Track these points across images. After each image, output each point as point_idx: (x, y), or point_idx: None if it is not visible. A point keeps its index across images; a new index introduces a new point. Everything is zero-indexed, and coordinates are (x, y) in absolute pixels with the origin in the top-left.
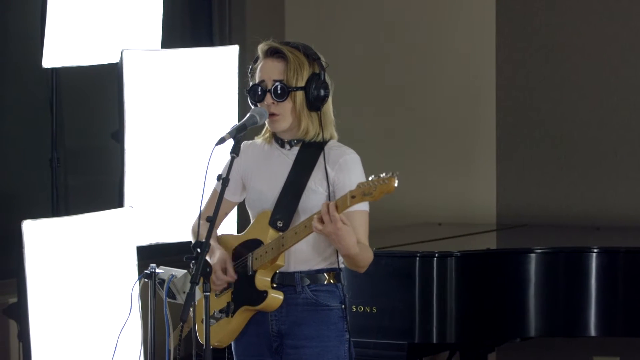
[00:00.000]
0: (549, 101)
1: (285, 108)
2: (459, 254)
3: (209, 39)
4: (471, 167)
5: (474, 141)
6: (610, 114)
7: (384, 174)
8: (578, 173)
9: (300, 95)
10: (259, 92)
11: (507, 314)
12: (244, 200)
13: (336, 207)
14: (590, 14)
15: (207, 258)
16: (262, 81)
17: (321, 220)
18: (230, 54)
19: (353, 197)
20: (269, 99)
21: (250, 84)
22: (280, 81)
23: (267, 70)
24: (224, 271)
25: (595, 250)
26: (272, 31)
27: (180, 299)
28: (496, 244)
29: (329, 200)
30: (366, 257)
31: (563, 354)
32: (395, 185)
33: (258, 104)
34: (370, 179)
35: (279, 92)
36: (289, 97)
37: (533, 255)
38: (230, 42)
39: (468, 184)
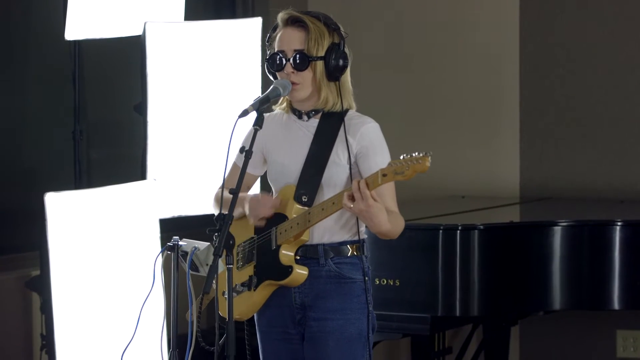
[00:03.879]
0: (573, 74)
1: (305, 77)
2: (482, 226)
3: (232, 11)
4: (495, 139)
5: (497, 113)
6: (634, 87)
7: (416, 153)
8: (602, 146)
9: (320, 65)
10: (278, 61)
11: (531, 287)
12: (265, 173)
13: (367, 184)
14: None
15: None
16: (281, 50)
17: (351, 198)
18: (253, 26)
19: (384, 175)
20: (288, 68)
21: (269, 52)
22: (301, 51)
23: (287, 40)
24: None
25: (619, 224)
26: (295, 3)
27: (203, 272)
28: (520, 216)
29: (351, 170)
30: (398, 229)
31: (586, 327)
32: (428, 165)
33: (277, 73)
34: (402, 157)
35: (299, 61)
36: (309, 66)
37: (557, 228)
38: (253, 15)
39: (492, 156)
